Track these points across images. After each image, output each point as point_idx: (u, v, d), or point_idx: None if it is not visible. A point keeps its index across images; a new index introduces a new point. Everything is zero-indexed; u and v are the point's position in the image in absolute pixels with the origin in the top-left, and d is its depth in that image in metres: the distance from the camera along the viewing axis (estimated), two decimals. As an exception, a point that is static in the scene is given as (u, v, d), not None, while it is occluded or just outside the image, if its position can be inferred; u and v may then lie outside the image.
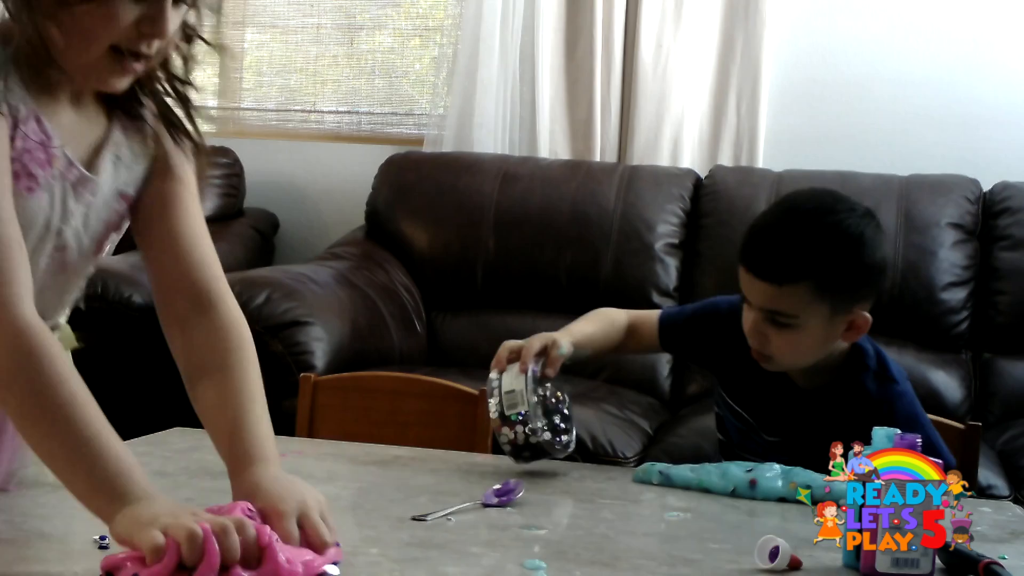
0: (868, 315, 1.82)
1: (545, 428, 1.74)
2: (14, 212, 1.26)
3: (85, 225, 1.39)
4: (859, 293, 1.82)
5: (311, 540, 1.19)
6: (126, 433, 1.49)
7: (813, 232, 1.79)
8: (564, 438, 1.77)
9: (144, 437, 1.81)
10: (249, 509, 1.19)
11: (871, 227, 1.83)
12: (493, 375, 1.81)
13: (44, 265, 1.37)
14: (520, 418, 1.73)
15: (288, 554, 1.13)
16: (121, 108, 1.42)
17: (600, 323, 2.04)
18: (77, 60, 1.31)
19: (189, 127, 1.43)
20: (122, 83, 1.35)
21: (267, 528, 1.14)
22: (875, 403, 1.83)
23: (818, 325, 1.80)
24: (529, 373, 1.79)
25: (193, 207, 1.45)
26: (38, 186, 1.32)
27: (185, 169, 1.45)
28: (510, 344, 1.85)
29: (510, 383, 1.77)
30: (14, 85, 1.30)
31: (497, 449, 2.09)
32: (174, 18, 1.32)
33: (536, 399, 1.77)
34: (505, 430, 1.74)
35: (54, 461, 1.19)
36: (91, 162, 1.39)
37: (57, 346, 1.22)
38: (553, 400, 1.82)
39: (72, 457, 1.17)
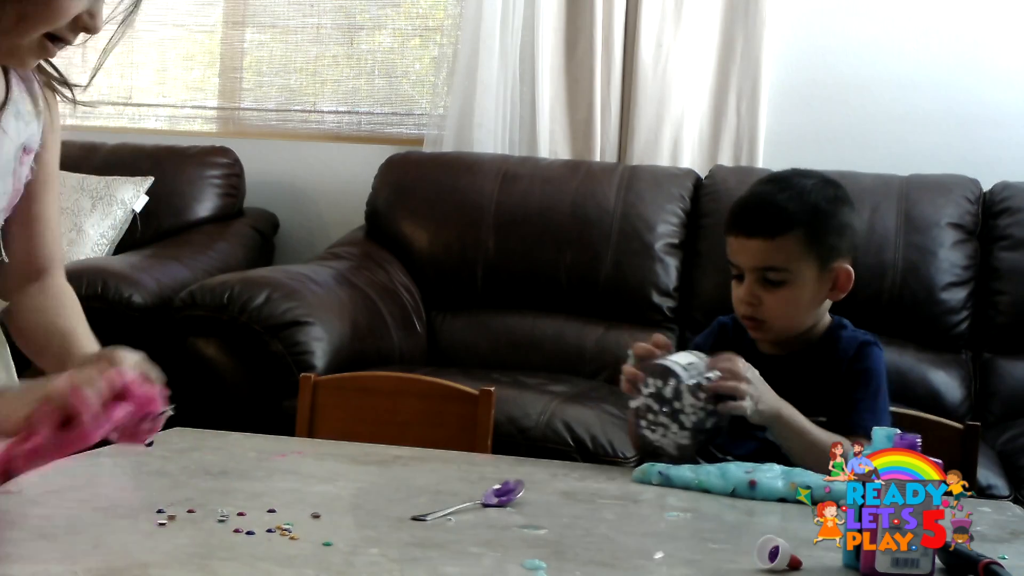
0: (850, 269, 1.95)
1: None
2: None
3: (2, 178, 1.44)
4: (841, 246, 1.95)
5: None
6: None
7: (797, 188, 1.96)
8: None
9: (144, 437, 1.81)
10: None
11: (842, 189, 2.00)
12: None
13: None
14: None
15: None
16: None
17: None
18: (6, 40, 1.33)
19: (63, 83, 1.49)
20: (34, 64, 1.41)
21: (123, 371, 1.29)
22: (847, 347, 1.94)
23: (808, 279, 1.92)
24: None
25: (54, 187, 1.55)
26: None
27: (58, 138, 1.53)
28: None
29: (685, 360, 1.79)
30: None
31: (497, 449, 2.09)
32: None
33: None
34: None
35: None
36: None
37: None
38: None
39: None
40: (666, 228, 3.67)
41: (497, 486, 1.56)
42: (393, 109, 4.34)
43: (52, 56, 1.38)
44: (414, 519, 1.42)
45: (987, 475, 2.85)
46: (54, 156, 1.53)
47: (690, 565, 1.33)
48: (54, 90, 1.49)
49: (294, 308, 3.21)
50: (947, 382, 3.45)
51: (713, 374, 1.79)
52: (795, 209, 1.92)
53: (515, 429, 2.95)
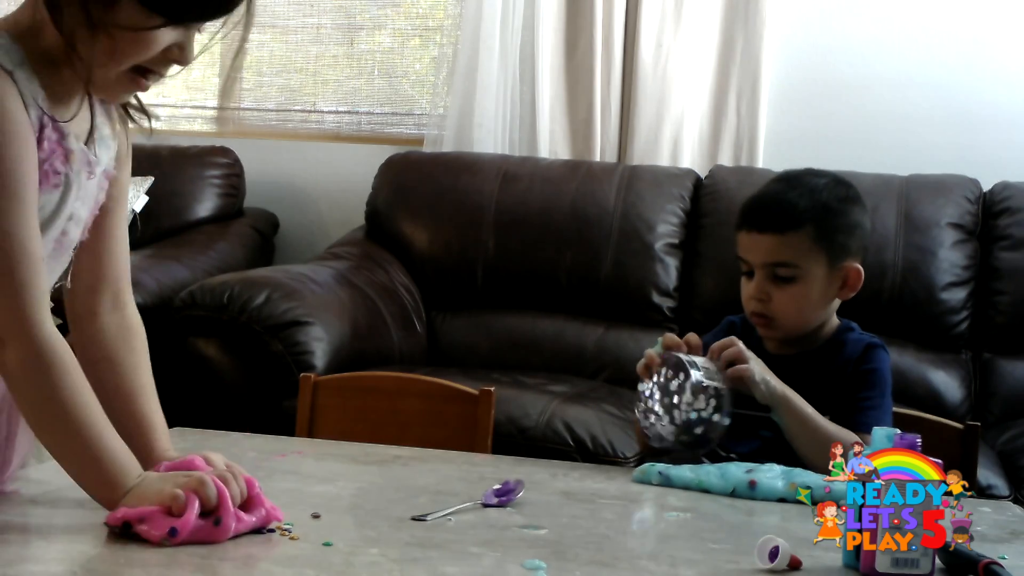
0: (860, 268, 1.96)
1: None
2: (39, 227, 1.33)
3: (87, 207, 1.44)
4: (851, 245, 1.96)
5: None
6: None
7: (808, 186, 1.97)
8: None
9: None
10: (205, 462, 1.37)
11: (853, 189, 2.01)
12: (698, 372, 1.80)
13: (51, 250, 1.41)
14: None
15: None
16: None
17: None
18: (98, 73, 1.34)
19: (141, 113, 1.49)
20: (128, 97, 1.42)
21: (253, 479, 1.34)
22: (854, 348, 1.94)
23: (818, 277, 1.93)
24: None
25: (125, 205, 1.54)
26: (61, 183, 1.37)
27: (128, 163, 1.52)
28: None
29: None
30: (34, 88, 1.33)
31: (497, 449, 2.09)
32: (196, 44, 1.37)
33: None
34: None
35: (63, 458, 1.34)
36: (89, 147, 1.42)
37: (71, 357, 1.32)
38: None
39: (79, 456, 1.32)
40: (666, 228, 3.67)
41: (497, 486, 1.56)
42: (393, 109, 4.34)
43: (144, 90, 1.39)
44: (414, 519, 1.42)
45: (987, 475, 2.85)
46: (126, 175, 1.53)
47: (690, 565, 1.33)
48: (131, 117, 1.48)
49: (294, 308, 3.21)
50: (947, 382, 3.45)
51: (723, 383, 1.79)
52: (805, 206, 1.93)
53: (515, 429, 2.95)
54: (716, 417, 1.77)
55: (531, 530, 1.42)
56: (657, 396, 1.80)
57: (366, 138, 4.31)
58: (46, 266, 1.37)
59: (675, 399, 1.78)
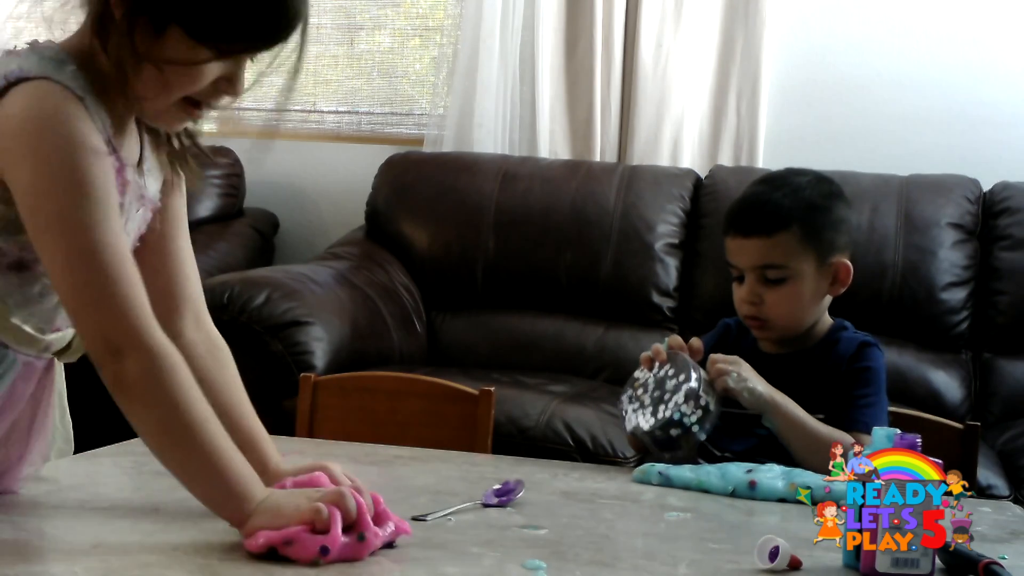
0: (849, 264, 1.96)
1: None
2: (128, 247, 1.32)
3: (132, 237, 1.43)
4: (839, 241, 1.97)
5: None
6: (129, 436, 1.49)
7: (791, 185, 1.98)
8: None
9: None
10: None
11: (836, 185, 2.02)
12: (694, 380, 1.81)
13: None
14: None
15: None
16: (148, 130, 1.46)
17: None
18: (149, 104, 1.34)
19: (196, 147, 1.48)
20: (181, 127, 1.41)
21: (378, 494, 1.31)
22: (847, 347, 1.94)
23: (808, 275, 1.93)
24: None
25: (186, 228, 1.53)
26: (120, 211, 1.35)
27: (183, 185, 1.50)
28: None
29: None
30: (102, 115, 1.33)
31: (497, 449, 2.09)
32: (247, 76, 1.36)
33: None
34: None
35: (186, 474, 1.30)
36: (140, 176, 1.42)
37: (186, 367, 1.29)
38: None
39: (204, 471, 1.28)
40: (666, 228, 3.67)
41: (497, 486, 1.56)
42: (393, 109, 4.34)
43: (196, 120, 1.39)
44: (414, 519, 1.42)
45: (987, 475, 2.85)
46: (182, 200, 1.52)
47: (690, 565, 1.33)
48: (186, 160, 1.47)
49: (294, 308, 3.21)
50: (947, 382, 3.45)
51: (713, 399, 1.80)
52: (790, 206, 1.94)
53: (515, 429, 2.95)
54: (695, 428, 1.78)
55: (531, 530, 1.42)
56: (650, 388, 1.81)
57: (366, 138, 4.31)
58: None
59: (666, 396, 1.79)
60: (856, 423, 1.84)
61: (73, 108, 1.29)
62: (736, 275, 1.97)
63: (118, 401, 1.28)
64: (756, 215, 1.95)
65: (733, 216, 1.99)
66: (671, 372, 1.81)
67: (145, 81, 1.31)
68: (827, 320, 2.00)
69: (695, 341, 1.87)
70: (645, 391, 1.82)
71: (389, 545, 1.29)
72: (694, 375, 1.79)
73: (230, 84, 1.35)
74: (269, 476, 1.41)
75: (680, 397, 1.78)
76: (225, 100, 1.36)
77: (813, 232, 1.94)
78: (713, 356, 1.85)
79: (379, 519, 1.29)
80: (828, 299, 1.98)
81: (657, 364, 1.83)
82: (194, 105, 1.35)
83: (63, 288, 1.29)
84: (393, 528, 1.30)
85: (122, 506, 1.42)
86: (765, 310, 1.93)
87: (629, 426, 1.82)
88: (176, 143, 1.46)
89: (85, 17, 1.34)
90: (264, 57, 1.37)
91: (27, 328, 1.39)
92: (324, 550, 1.21)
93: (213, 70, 1.32)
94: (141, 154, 1.43)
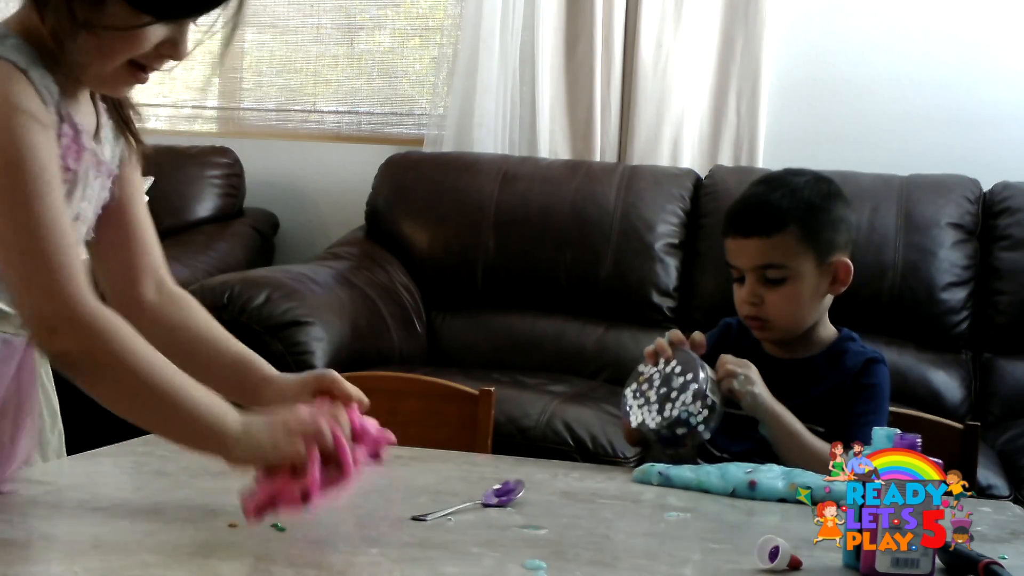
0: (849, 263, 1.96)
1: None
2: (68, 216, 1.33)
3: (92, 206, 1.44)
4: (838, 240, 1.97)
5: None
6: (127, 433, 1.50)
7: (790, 185, 1.98)
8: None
9: (144, 437, 1.80)
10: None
11: (834, 185, 2.02)
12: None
13: None
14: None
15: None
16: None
17: None
18: (92, 70, 1.34)
19: (132, 123, 1.50)
20: (128, 91, 1.42)
21: (353, 411, 1.38)
22: (854, 361, 1.94)
23: (808, 274, 1.93)
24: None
25: (143, 198, 1.55)
26: (71, 179, 1.37)
27: (136, 157, 1.52)
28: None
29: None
30: (48, 85, 1.33)
31: (497, 449, 2.09)
32: (190, 39, 1.36)
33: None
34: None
35: (159, 430, 1.34)
36: (97, 144, 1.43)
37: (125, 325, 1.30)
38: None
39: (175, 421, 1.31)
40: (666, 228, 3.67)
41: (497, 486, 1.56)
42: (393, 109, 4.34)
43: (142, 83, 1.39)
44: (414, 519, 1.42)
45: (987, 475, 2.85)
46: (138, 170, 1.53)
47: (690, 565, 1.33)
48: (130, 131, 1.49)
49: (294, 308, 3.21)
50: (947, 382, 3.45)
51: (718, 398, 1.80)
52: (789, 206, 1.94)
53: (515, 429, 2.95)
54: (701, 428, 1.78)
55: (531, 530, 1.42)
56: (656, 384, 1.81)
57: (366, 138, 4.31)
58: None
59: (673, 394, 1.78)
60: (853, 440, 1.83)
61: (12, 80, 1.29)
62: (736, 276, 1.97)
63: (70, 378, 1.30)
64: (755, 216, 1.95)
65: (732, 217, 2.00)
66: (678, 369, 1.81)
67: (87, 48, 1.31)
68: (831, 328, 2.00)
69: (697, 335, 1.87)
70: (651, 387, 1.82)
71: (376, 456, 1.38)
72: (701, 374, 1.79)
73: (174, 47, 1.35)
74: (273, 388, 1.46)
75: (688, 396, 1.78)
76: (169, 64, 1.37)
77: (812, 232, 1.94)
78: (724, 357, 1.85)
79: (357, 437, 1.35)
80: (829, 299, 1.98)
81: (663, 360, 1.83)
82: (139, 68, 1.36)
83: (1, 264, 1.30)
84: (366, 452, 1.36)
85: (122, 506, 1.42)
86: (765, 310, 1.93)
87: (635, 422, 1.81)
88: (115, 113, 1.47)
89: None
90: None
91: (1, 305, 1.39)
92: (306, 497, 1.27)
93: (156, 34, 1.32)
94: (98, 122, 1.44)
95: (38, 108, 1.30)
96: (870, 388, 1.92)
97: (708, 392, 1.78)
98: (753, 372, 1.84)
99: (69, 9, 1.29)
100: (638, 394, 1.83)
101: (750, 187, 2.05)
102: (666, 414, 1.78)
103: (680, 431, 1.78)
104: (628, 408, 1.84)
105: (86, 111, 1.41)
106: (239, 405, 1.36)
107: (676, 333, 1.86)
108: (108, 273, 1.52)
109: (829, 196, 1.99)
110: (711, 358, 1.94)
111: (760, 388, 1.83)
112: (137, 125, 1.49)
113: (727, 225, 1.99)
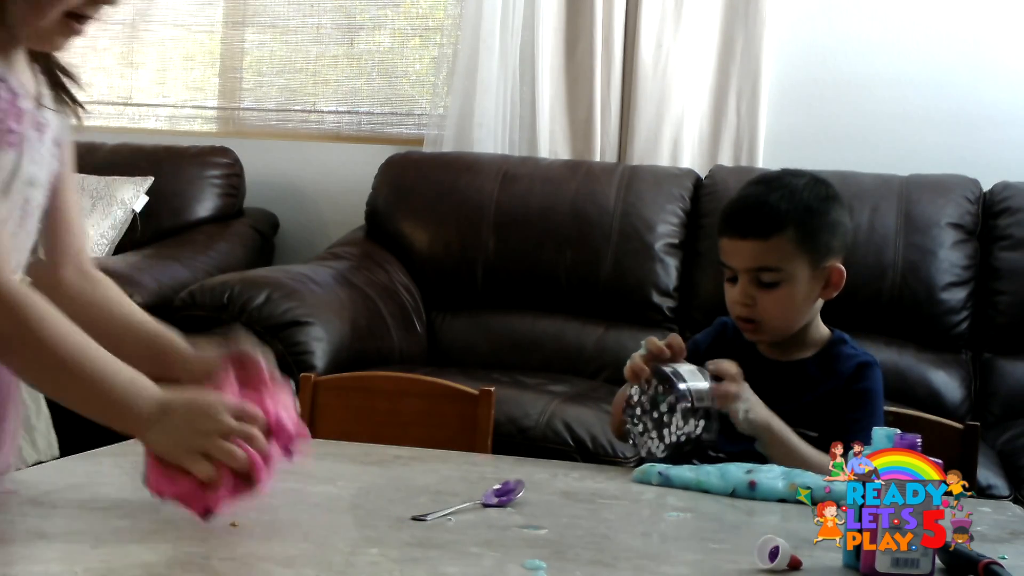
0: (842, 267, 1.95)
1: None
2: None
3: (43, 171, 1.43)
4: (834, 244, 1.95)
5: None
6: (128, 436, 1.49)
7: (788, 187, 1.96)
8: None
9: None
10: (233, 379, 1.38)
11: (832, 188, 2.00)
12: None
13: (16, 216, 1.40)
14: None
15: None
16: (37, 63, 1.45)
17: None
18: (28, 24, 1.33)
19: (71, 94, 1.48)
20: (67, 44, 1.40)
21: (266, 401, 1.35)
22: (846, 366, 1.93)
23: (802, 278, 1.92)
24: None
25: (71, 175, 1.54)
26: (16, 142, 1.36)
27: (67, 139, 1.51)
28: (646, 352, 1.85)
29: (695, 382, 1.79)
30: None
31: (497, 449, 2.09)
32: None
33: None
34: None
35: (68, 399, 1.33)
36: (39, 108, 1.42)
37: (43, 300, 1.30)
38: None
39: (83, 391, 1.31)
40: (666, 228, 3.67)
41: (497, 486, 1.56)
42: (393, 109, 4.34)
43: (80, 34, 1.38)
44: (414, 519, 1.42)
45: (987, 475, 2.85)
46: (70, 151, 1.53)
47: (690, 565, 1.33)
48: (63, 101, 1.48)
49: (294, 308, 3.21)
50: (947, 382, 3.45)
51: (711, 401, 1.79)
52: (787, 208, 1.92)
53: (515, 429, 2.95)
54: (705, 435, 1.78)
55: (531, 530, 1.42)
56: (648, 408, 1.80)
57: (366, 138, 4.31)
58: (14, 236, 1.38)
59: (664, 418, 1.78)
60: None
61: None
62: (729, 275, 1.96)
63: None
64: (752, 217, 1.94)
65: (729, 217, 1.98)
66: (660, 389, 1.79)
67: (24, 4, 1.31)
68: (824, 329, 1.99)
69: (674, 340, 1.83)
70: (643, 412, 1.81)
71: (288, 452, 1.37)
72: (682, 386, 1.77)
73: None
74: (188, 366, 1.45)
75: (678, 419, 1.77)
76: (104, 10, 1.36)
77: (809, 235, 1.92)
78: (721, 374, 1.80)
79: (272, 432, 1.34)
80: (820, 302, 1.97)
81: (644, 381, 1.81)
82: (75, 19, 1.35)
83: None
84: (288, 437, 1.35)
85: (122, 506, 1.42)
86: (758, 312, 1.92)
87: (644, 453, 1.82)
88: (51, 79, 1.46)
89: None
90: None
91: None
92: (208, 512, 1.29)
93: None
94: (39, 89, 1.43)
95: None
96: (863, 393, 1.91)
97: (697, 404, 1.77)
98: (746, 390, 1.82)
99: None
100: (636, 421, 1.82)
101: (747, 186, 2.04)
102: (667, 441, 1.78)
103: (687, 448, 1.78)
104: (632, 441, 1.84)
105: (24, 76, 1.40)
106: (159, 381, 1.35)
107: (653, 343, 1.83)
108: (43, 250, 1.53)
109: (827, 199, 1.97)
110: (708, 357, 1.94)
111: (755, 408, 1.81)
112: (76, 93, 1.47)
113: (723, 224, 1.97)
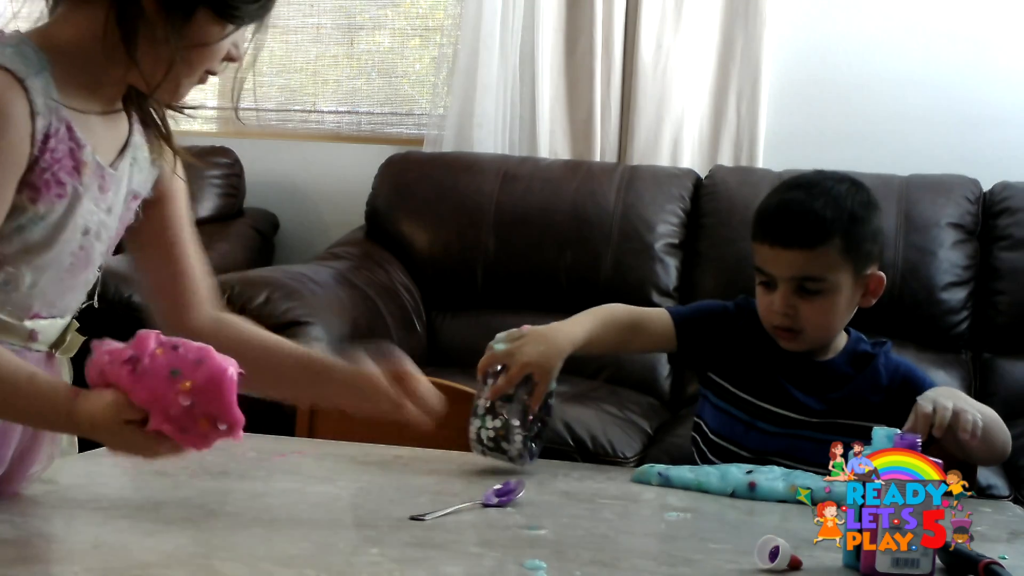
0: (882, 275, 1.92)
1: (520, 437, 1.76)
2: None
3: (105, 224, 1.43)
4: (875, 252, 1.91)
5: None
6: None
7: (831, 193, 1.89)
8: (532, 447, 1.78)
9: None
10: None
11: (871, 193, 1.95)
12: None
13: (67, 264, 1.40)
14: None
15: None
16: (136, 113, 1.48)
17: (603, 321, 2.04)
18: (169, 85, 1.39)
19: (173, 141, 1.54)
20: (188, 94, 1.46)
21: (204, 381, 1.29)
22: (890, 375, 1.92)
23: (845, 287, 1.88)
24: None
25: (188, 231, 1.57)
26: (66, 193, 1.36)
27: (181, 191, 1.55)
28: (499, 356, 1.83)
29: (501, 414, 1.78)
30: (50, 96, 1.33)
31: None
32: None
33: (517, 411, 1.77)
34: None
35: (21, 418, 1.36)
36: (114, 163, 1.43)
37: None
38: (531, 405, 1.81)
39: (22, 409, 1.32)
40: (666, 228, 3.67)
41: (497, 486, 1.56)
42: (393, 109, 4.34)
43: (204, 83, 1.45)
44: (414, 519, 1.42)
45: (987, 475, 2.85)
46: (181, 203, 1.56)
47: (690, 565, 1.33)
48: (160, 144, 1.52)
49: (294, 308, 3.21)
50: (947, 382, 3.43)
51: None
52: (833, 217, 1.86)
53: (515, 429, 2.94)
54: (538, 426, 1.80)
55: (531, 530, 1.42)
56: (516, 423, 1.78)
57: (366, 138, 4.31)
58: (63, 280, 1.39)
59: (503, 444, 1.77)
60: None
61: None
62: (763, 280, 1.90)
63: None
64: (797, 225, 1.86)
65: (769, 223, 1.90)
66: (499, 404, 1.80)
67: (175, 71, 1.35)
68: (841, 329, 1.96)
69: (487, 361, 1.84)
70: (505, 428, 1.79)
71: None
72: (472, 429, 1.78)
73: (236, 49, 1.41)
74: (356, 381, 1.55)
75: (512, 450, 1.77)
76: (223, 65, 1.42)
77: (854, 244, 1.87)
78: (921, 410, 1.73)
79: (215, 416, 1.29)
80: (855, 309, 1.93)
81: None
82: (208, 73, 1.41)
83: None
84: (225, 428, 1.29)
85: (122, 506, 1.42)
86: (800, 321, 1.87)
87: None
88: (156, 129, 1.50)
89: (67, 8, 1.37)
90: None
91: (2, 316, 1.39)
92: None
93: (228, 42, 1.38)
94: (128, 142, 1.45)
95: (19, 114, 1.30)
96: (916, 380, 1.92)
97: (499, 403, 1.78)
98: (943, 398, 1.80)
99: (165, 37, 1.33)
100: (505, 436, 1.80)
101: (785, 191, 1.96)
102: (534, 452, 1.80)
103: (538, 445, 1.80)
104: (509, 456, 1.80)
105: (104, 125, 1.41)
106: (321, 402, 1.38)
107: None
108: (156, 304, 1.56)
109: (869, 206, 1.91)
110: (706, 345, 1.93)
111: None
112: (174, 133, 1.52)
113: (763, 231, 1.89)
